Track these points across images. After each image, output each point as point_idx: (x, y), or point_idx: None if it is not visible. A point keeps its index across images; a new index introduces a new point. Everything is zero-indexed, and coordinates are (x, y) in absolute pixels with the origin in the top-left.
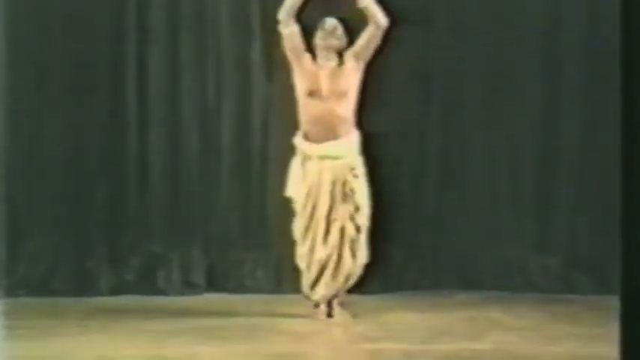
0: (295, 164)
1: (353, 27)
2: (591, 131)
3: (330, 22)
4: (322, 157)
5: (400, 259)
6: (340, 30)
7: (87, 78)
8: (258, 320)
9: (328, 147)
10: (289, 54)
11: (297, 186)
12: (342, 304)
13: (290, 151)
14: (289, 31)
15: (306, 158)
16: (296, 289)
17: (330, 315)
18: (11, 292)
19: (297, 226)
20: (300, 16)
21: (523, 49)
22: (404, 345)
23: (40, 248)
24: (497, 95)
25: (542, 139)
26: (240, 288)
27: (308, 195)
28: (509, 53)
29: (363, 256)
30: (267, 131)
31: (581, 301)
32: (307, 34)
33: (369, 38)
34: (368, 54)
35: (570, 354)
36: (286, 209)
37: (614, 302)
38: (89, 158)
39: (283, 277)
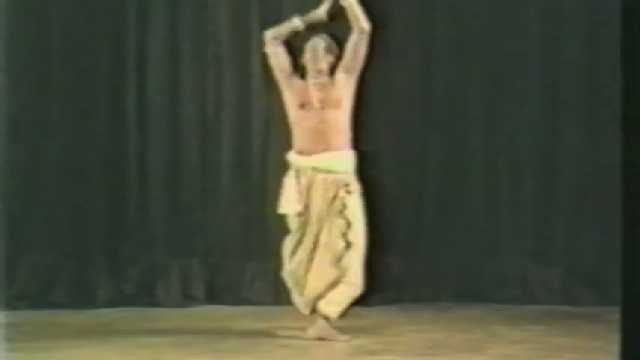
0: (289, 178)
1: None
2: (591, 143)
3: (320, 44)
4: (315, 169)
5: (400, 272)
6: (331, 50)
7: (87, 89)
8: (257, 332)
9: (321, 159)
10: (276, 72)
11: (291, 201)
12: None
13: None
14: (272, 52)
15: (299, 172)
16: None
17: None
18: (10, 304)
19: (288, 243)
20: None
21: (523, 62)
22: (404, 357)
23: (39, 260)
24: (496, 108)
25: (542, 152)
26: (239, 300)
27: (303, 210)
28: (509, 66)
29: (358, 276)
30: (266, 142)
31: (582, 313)
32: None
33: (354, 47)
34: (357, 64)
35: None
36: (285, 221)
37: (614, 314)
38: (88, 170)
39: (282, 289)
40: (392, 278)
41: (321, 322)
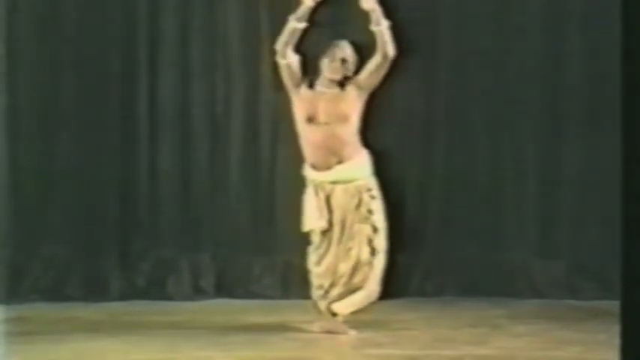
0: (309, 195)
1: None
2: (594, 139)
3: (344, 51)
4: (334, 182)
5: (404, 265)
6: (352, 59)
7: (98, 87)
8: (266, 326)
9: (339, 171)
10: (286, 82)
11: (313, 217)
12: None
13: (297, 157)
14: (286, 63)
15: (318, 186)
16: (303, 295)
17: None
18: (23, 297)
19: (313, 254)
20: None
21: (526, 69)
22: (409, 350)
23: (51, 254)
24: (500, 107)
25: (545, 148)
26: (248, 294)
27: (328, 223)
28: (512, 71)
29: (378, 282)
30: (275, 139)
31: (585, 306)
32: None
33: (375, 69)
34: (373, 85)
35: None
36: (294, 216)
37: (617, 308)
38: (100, 165)
39: (291, 283)
40: (397, 273)
41: (329, 316)
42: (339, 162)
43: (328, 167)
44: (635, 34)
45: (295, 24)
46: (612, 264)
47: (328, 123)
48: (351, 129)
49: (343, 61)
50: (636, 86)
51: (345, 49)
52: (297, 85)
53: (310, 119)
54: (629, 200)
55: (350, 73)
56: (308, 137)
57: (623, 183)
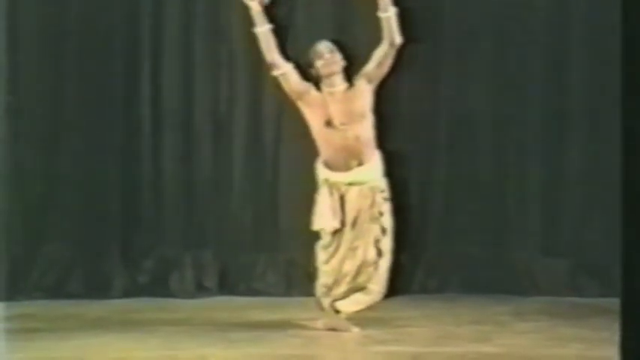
0: (323, 195)
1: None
2: (597, 138)
3: (327, 47)
4: (350, 184)
5: (407, 263)
6: (334, 52)
7: (101, 86)
8: (269, 323)
9: (357, 173)
10: (291, 94)
11: (326, 217)
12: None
13: (301, 155)
14: (282, 73)
15: (333, 186)
16: (306, 292)
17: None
18: (27, 294)
19: (321, 254)
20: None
21: (530, 65)
22: (412, 347)
23: (55, 252)
24: (504, 106)
25: (549, 146)
26: (251, 291)
27: (341, 224)
28: (517, 62)
29: (382, 284)
30: (279, 137)
31: (588, 304)
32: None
33: (382, 58)
34: (380, 75)
35: (577, 357)
36: (297, 213)
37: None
38: (103, 163)
39: (294, 280)
40: (400, 270)
41: (332, 313)
42: (359, 164)
43: (347, 169)
44: (636, 35)
45: (258, 30)
46: (615, 262)
47: (345, 124)
48: (368, 126)
49: (332, 53)
50: (636, 86)
51: (329, 45)
52: (303, 91)
53: (328, 123)
54: (629, 200)
55: (342, 64)
56: (327, 140)
57: (623, 182)
